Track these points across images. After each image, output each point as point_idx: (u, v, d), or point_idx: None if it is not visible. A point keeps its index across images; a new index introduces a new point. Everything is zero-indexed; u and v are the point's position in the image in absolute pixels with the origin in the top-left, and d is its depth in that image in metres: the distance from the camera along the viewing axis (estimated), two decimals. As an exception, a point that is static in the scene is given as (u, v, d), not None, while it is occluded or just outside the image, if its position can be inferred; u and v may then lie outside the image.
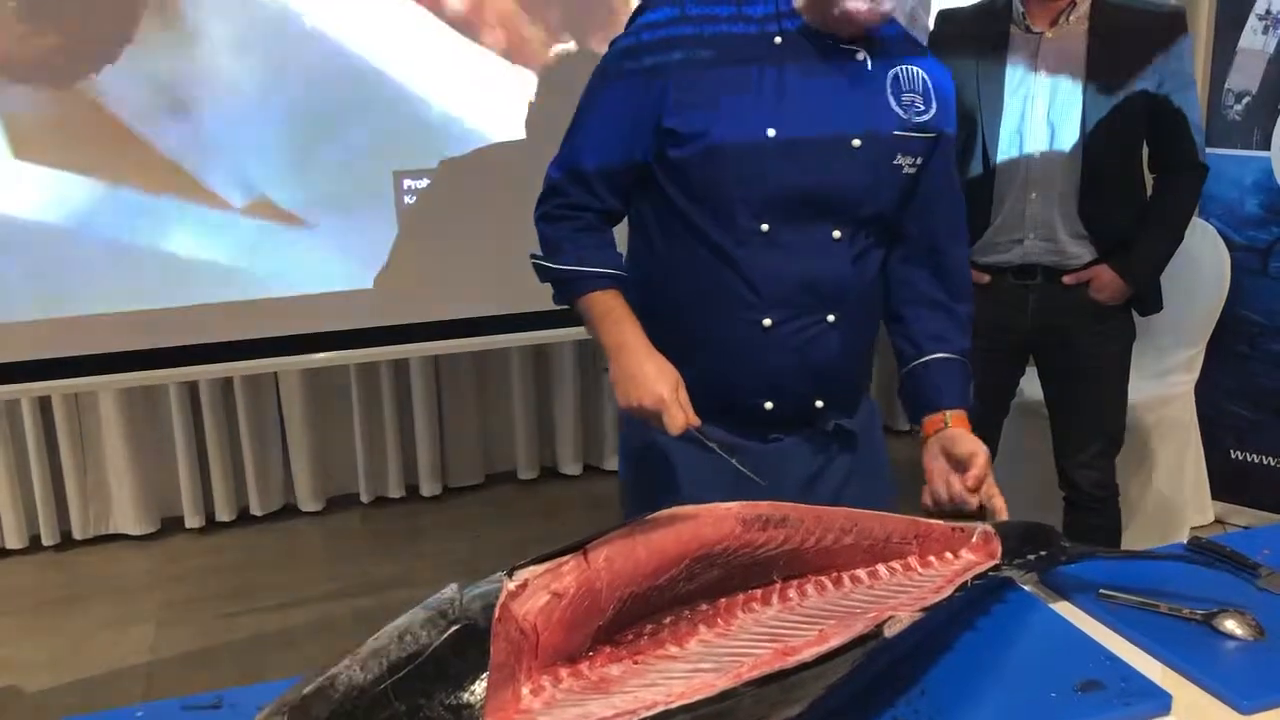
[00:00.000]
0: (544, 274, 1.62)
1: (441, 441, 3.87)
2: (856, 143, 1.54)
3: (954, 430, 1.59)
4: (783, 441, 1.65)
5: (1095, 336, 2.47)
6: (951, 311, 1.68)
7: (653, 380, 1.45)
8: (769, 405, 1.60)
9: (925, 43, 2.40)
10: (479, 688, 1.01)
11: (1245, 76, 3.25)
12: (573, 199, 1.59)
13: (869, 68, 1.56)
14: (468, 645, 1.02)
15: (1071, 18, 2.34)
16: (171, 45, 2.49)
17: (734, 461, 1.50)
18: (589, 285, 1.56)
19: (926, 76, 1.61)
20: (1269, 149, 3.18)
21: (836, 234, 1.56)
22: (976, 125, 2.40)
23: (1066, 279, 2.43)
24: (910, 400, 1.67)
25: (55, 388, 2.85)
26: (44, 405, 3.42)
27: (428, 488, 3.87)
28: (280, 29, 2.55)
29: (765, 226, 1.53)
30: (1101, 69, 2.33)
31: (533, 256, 1.63)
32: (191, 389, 3.52)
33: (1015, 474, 2.56)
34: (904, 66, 1.59)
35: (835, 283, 1.58)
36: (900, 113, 1.57)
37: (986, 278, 2.44)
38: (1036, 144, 2.38)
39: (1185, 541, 1.65)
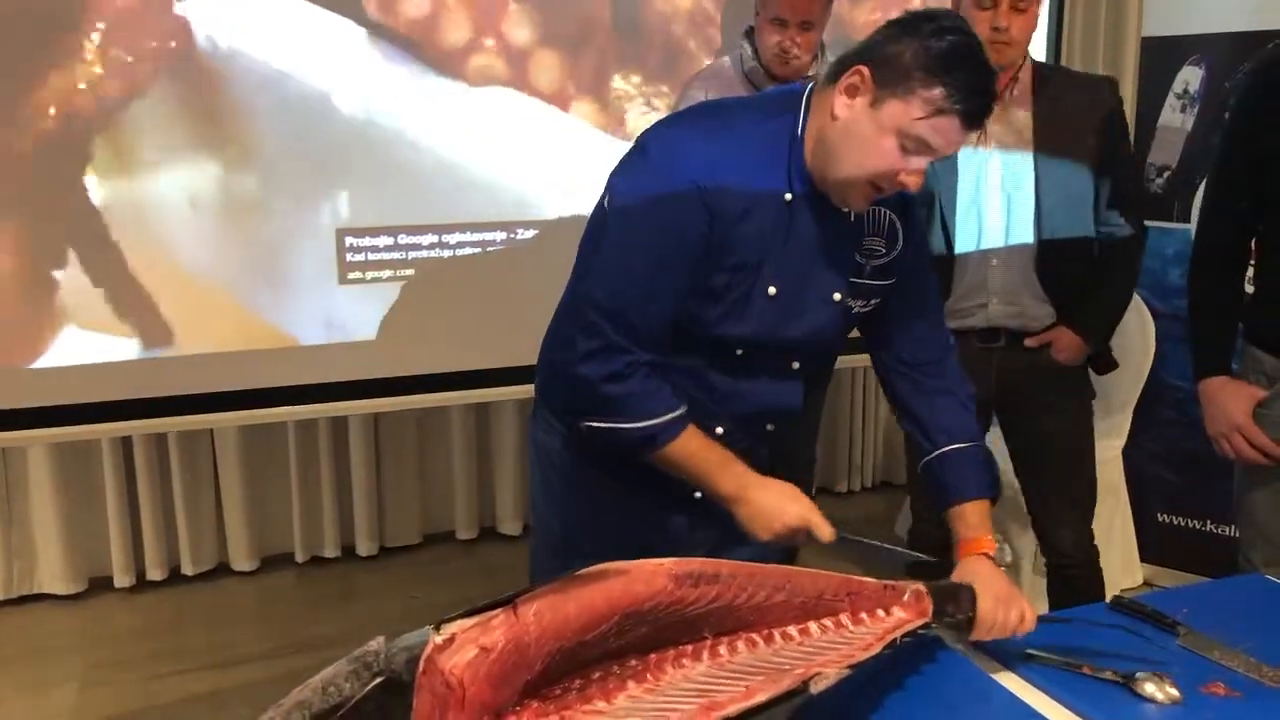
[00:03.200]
0: (613, 436, 1.58)
1: (379, 500, 3.83)
2: (837, 296, 1.61)
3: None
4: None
5: (1057, 395, 2.53)
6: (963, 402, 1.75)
7: (789, 503, 1.55)
8: (698, 494, 1.66)
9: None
10: (402, 742, 1.01)
11: (1165, 152, 3.38)
12: (635, 356, 1.54)
13: (851, 219, 1.59)
14: (390, 698, 1.02)
15: (1015, 92, 2.42)
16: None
17: (883, 544, 1.67)
18: (669, 435, 1.56)
19: (893, 215, 1.62)
20: (1189, 221, 3.29)
21: (795, 365, 1.67)
22: (934, 199, 2.46)
23: (1029, 341, 2.49)
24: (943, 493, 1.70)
25: (-18, 442, 2.80)
26: (-31, 460, 3.35)
27: (364, 547, 3.82)
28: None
29: (740, 351, 1.61)
30: (1048, 137, 2.41)
31: (588, 425, 1.58)
32: (125, 445, 3.45)
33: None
34: (872, 209, 1.60)
35: (787, 406, 1.69)
36: (860, 260, 1.62)
37: (952, 340, 2.49)
38: (993, 212, 2.45)
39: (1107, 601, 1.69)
